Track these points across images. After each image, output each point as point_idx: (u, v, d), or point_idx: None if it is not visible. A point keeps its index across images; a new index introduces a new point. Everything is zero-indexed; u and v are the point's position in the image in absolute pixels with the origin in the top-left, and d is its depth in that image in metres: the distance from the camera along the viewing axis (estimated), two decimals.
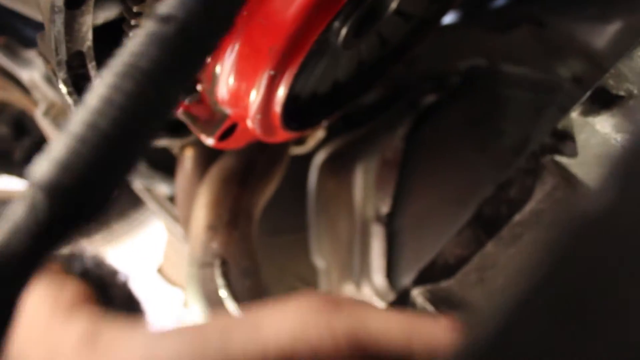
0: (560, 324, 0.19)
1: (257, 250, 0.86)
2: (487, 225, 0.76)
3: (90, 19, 0.53)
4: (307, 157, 1.04)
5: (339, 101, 0.75)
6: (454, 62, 1.00)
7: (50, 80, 1.10)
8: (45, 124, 1.17)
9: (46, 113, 1.16)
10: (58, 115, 1.16)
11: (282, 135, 0.66)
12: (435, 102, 0.96)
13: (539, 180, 0.71)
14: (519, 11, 0.98)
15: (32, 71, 1.15)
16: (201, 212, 0.84)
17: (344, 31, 0.61)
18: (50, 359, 0.44)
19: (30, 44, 1.10)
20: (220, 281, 0.78)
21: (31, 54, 1.06)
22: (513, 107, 0.95)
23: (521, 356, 0.20)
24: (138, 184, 1.20)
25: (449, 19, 1.04)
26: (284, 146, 0.89)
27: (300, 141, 0.94)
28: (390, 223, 0.90)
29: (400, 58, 0.81)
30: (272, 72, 0.53)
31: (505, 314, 0.20)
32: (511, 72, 0.97)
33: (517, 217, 0.72)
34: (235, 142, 0.67)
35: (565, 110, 0.92)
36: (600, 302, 0.19)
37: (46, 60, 0.57)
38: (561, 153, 0.69)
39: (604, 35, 0.91)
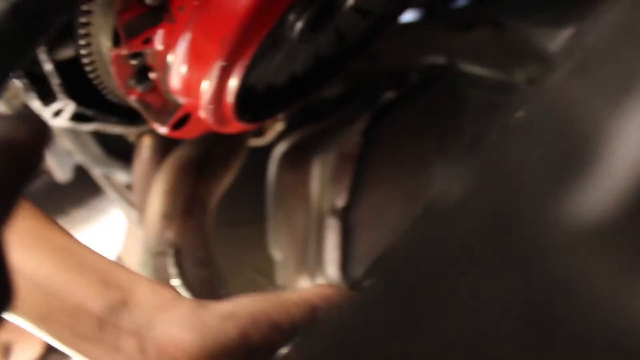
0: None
1: (213, 240, 0.87)
2: None
3: None
4: (267, 149, 1.05)
5: (296, 94, 0.75)
6: (414, 59, 1.01)
7: None
8: (1, 108, 1.15)
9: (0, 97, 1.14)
10: (13, 99, 1.14)
11: (235, 126, 0.66)
12: (395, 98, 0.98)
13: None
14: (479, 13, 1.00)
15: None
16: (156, 201, 0.84)
17: (299, 25, 0.62)
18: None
19: None
20: (172, 270, 0.78)
21: None
22: (471, 106, 0.96)
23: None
24: (97, 171, 1.19)
25: (410, 16, 1.06)
26: (242, 137, 0.89)
27: (259, 133, 0.95)
28: (346, 216, 0.91)
29: (358, 53, 0.81)
30: (223, 63, 0.53)
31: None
32: (470, 71, 0.98)
33: None
34: (189, 132, 0.67)
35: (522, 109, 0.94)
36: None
37: None
38: None
39: (557, 39, 0.93)
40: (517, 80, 0.95)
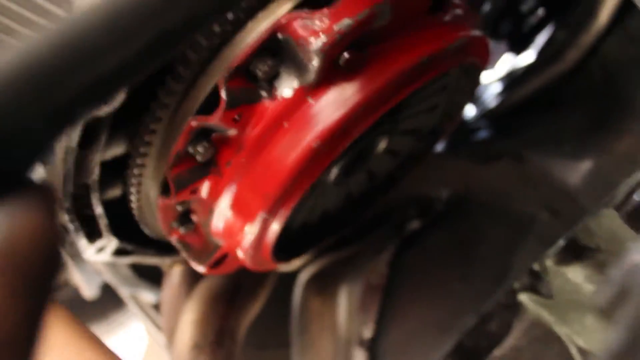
0: None
1: None
2: (467, 356, 0.78)
3: (99, 157, 0.56)
4: (293, 273, 1.06)
5: (328, 230, 0.78)
6: (437, 189, 1.04)
7: None
8: None
9: None
10: None
11: (271, 265, 0.68)
12: (419, 228, 1.00)
13: (517, 316, 0.74)
14: (500, 145, 1.04)
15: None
16: (187, 330, 0.85)
17: (334, 172, 0.66)
18: None
19: None
20: None
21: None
22: (493, 236, 0.98)
23: None
24: (123, 290, 1.20)
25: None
26: None
27: None
28: (372, 347, 0.91)
29: (387, 190, 0.85)
30: (265, 215, 0.56)
31: None
32: (491, 201, 1.01)
33: (497, 352, 0.74)
34: (225, 269, 0.69)
35: (543, 241, 0.96)
36: None
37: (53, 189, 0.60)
38: (538, 293, 0.72)
39: (577, 171, 0.96)
40: (538, 210, 0.97)
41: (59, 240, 0.27)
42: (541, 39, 1.17)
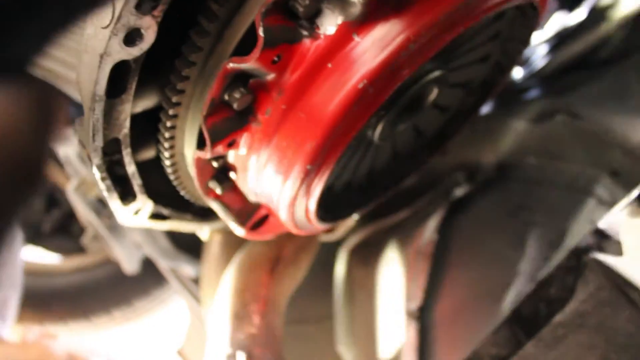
0: None
1: (283, 341, 0.83)
2: (525, 324, 0.73)
3: (129, 108, 0.53)
4: (336, 243, 1.02)
5: (374, 191, 0.73)
6: (487, 152, 0.98)
7: (84, 159, 1.11)
8: (75, 199, 1.18)
9: (77, 189, 1.17)
10: (88, 192, 1.17)
11: (315, 228, 0.64)
12: (468, 192, 0.95)
13: (581, 279, 0.68)
14: (553, 103, 0.97)
15: (67, 147, 1.17)
16: (227, 300, 0.81)
17: (380, 125, 0.61)
18: None
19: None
20: None
21: (68, 131, 1.08)
22: (548, 200, 0.92)
23: None
24: (163, 263, 1.18)
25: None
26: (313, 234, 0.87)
27: (329, 228, 0.93)
28: (421, 317, 0.86)
29: (435, 149, 0.80)
30: (309, 167, 0.51)
31: None
32: (544, 163, 0.95)
33: (558, 317, 0.69)
34: (266, 233, 0.65)
35: (604, 204, 0.89)
36: None
37: (82, 146, 0.57)
38: (605, 252, 0.66)
39: None
40: (598, 171, 0.91)
41: (40, 150, 0.22)
42: None
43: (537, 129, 0.98)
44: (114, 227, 1.15)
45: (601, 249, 0.65)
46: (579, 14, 1.13)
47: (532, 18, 0.66)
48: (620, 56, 1.04)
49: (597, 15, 1.10)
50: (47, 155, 0.23)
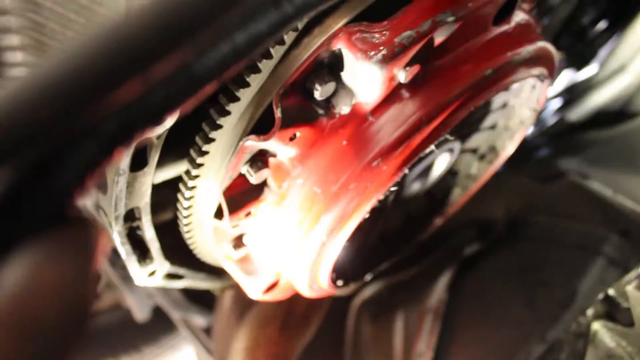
0: None
1: None
2: None
3: (151, 179, 0.55)
4: (347, 298, 1.03)
5: (386, 253, 0.75)
6: (497, 210, 1.00)
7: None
8: None
9: None
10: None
11: (327, 291, 0.65)
12: (479, 250, 0.95)
13: (591, 345, 0.69)
14: (563, 163, 0.99)
15: (85, 200, 1.19)
16: (238, 358, 0.82)
17: (393, 194, 0.62)
18: None
19: None
20: None
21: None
22: (558, 259, 0.93)
23: None
24: (175, 313, 1.19)
25: None
26: None
27: None
28: None
29: (445, 210, 0.81)
30: (323, 239, 0.53)
31: None
32: (554, 222, 0.96)
33: None
34: (278, 295, 0.67)
35: (614, 263, 0.90)
36: None
37: (104, 213, 0.59)
38: (615, 321, 0.67)
39: None
40: (606, 231, 0.92)
41: (90, 292, 0.22)
42: (604, 51, 1.12)
43: (547, 188, 0.99)
44: (127, 277, 1.17)
45: (611, 318, 0.65)
46: (589, 70, 1.15)
47: (539, 88, 0.68)
48: (630, 116, 1.06)
49: (608, 74, 1.12)
50: (95, 294, 0.23)
